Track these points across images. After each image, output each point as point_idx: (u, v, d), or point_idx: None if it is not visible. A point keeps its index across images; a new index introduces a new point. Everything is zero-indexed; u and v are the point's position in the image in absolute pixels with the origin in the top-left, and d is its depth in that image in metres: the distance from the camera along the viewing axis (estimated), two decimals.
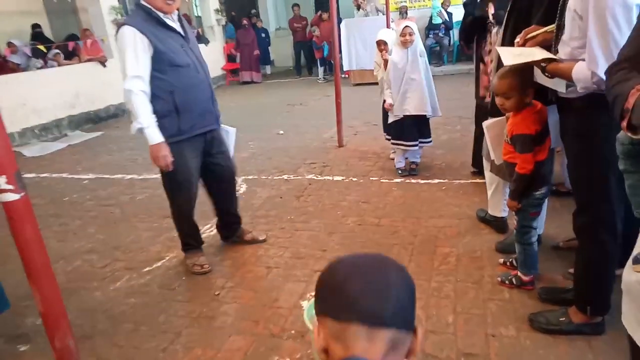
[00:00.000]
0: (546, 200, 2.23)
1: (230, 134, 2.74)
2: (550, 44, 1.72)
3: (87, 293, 2.54)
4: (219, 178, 2.70)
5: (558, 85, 1.71)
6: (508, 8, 2.19)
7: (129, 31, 2.16)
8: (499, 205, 2.75)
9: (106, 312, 2.34)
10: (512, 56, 1.79)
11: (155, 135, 2.24)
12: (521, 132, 1.95)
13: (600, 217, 1.71)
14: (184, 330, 2.13)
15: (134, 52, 2.16)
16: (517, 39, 1.85)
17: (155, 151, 2.25)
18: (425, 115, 3.67)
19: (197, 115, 2.40)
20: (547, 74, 1.70)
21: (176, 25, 2.36)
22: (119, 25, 2.23)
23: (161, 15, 2.27)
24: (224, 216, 2.87)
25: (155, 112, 2.25)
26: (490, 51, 3.00)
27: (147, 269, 2.74)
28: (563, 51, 1.65)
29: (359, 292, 0.66)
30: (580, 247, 1.85)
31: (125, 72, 2.17)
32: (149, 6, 2.24)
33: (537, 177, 2.01)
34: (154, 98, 2.26)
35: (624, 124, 1.08)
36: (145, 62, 2.20)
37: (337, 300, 0.67)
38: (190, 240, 2.71)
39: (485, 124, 2.32)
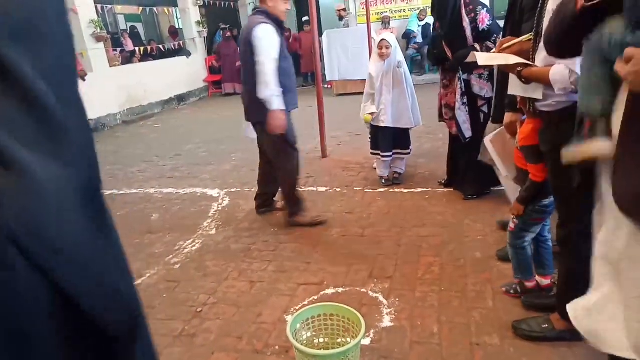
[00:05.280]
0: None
1: None
2: (528, 55, 1.74)
3: None
4: None
5: (534, 93, 1.71)
6: (507, 9, 2.21)
7: (272, 29, 2.90)
8: None
9: None
10: (486, 59, 1.81)
11: (281, 103, 2.93)
12: (530, 143, 1.91)
13: (580, 229, 1.70)
14: (165, 350, 2.08)
15: (272, 44, 2.88)
16: (493, 50, 1.88)
17: (279, 114, 2.92)
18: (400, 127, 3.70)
19: (295, 94, 3.17)
20: (523, 80, 1.70)
21: None
22: (257, 22, 2.88)
23: (279, 19, 3.02)
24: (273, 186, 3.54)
25: (283, 87, 2.96)
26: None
27: None
28: (539, 58, 1.66)
29: None
30: (562, 257, 1.86)
31: (266, 55, 2.85)
32: (273, 14, 2.96)
33: (546, 185, 1.97)
34: (283, 78, 2.96)
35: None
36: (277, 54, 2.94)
37: None
38: (301, 201, 3.30)
39: (486, 140, 2.27)
